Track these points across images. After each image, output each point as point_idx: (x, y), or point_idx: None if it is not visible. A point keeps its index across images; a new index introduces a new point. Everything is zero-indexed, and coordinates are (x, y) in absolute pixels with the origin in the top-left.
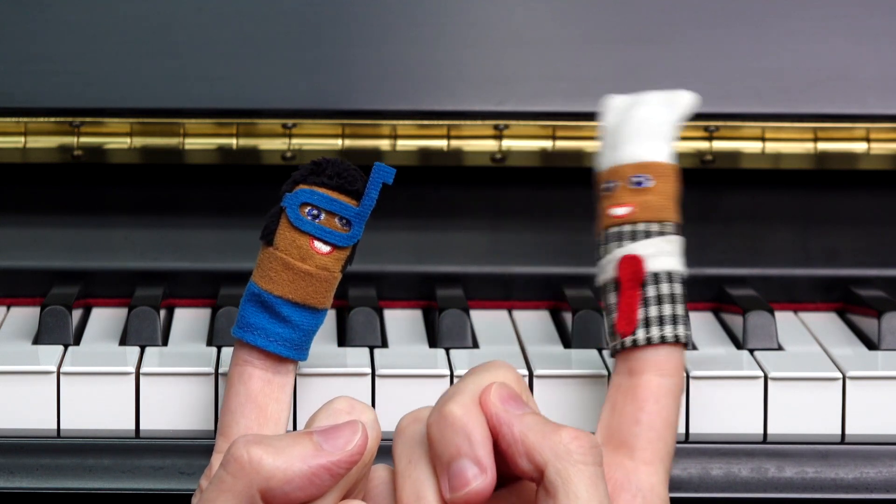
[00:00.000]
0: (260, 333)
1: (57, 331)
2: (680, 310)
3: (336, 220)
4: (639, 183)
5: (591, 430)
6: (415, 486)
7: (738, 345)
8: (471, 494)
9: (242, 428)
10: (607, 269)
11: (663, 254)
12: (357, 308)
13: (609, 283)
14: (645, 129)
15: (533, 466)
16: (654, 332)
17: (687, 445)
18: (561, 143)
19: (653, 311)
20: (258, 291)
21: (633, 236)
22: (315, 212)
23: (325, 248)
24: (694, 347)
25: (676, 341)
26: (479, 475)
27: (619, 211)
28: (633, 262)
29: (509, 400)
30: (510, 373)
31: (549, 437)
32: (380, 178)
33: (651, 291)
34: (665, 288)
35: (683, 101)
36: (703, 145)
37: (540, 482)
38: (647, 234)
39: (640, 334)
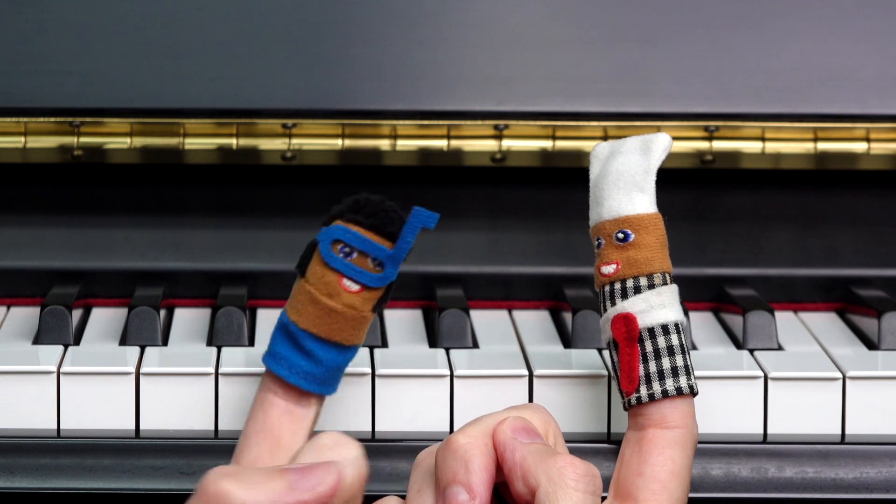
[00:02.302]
0: (283, 364)
1: (57, 331)
2: (679, 360)
3: (369, 260)
4: (622, 239)
5: (590, 431)
6: None
7: (738, 345)
8: None
9: (254, 455)
10: (606, 328)
11: (655, 307)
12: None
13: (610, 343)
14: (622, 182)
15: (527, 489)
16: (656, 387)
17: None
18: (561, 143)
19: (652, 367)
20: (286, 322)
21: (624, 294)
22: (347, 249)
23: (355, 287)
24: (694, 347)
25: (679, 393)
26: (468, 501)
27: (607, 269)
28: (625, 321)
29: (521, 431)
30: (538, 413)
31: (545, 461)
32: (418, 222)
33: (648, 347)
34: (662, 341)
35: (659, 144)
36: (703, 145)
37: None
38: (637, 290)
39: (643, 391)
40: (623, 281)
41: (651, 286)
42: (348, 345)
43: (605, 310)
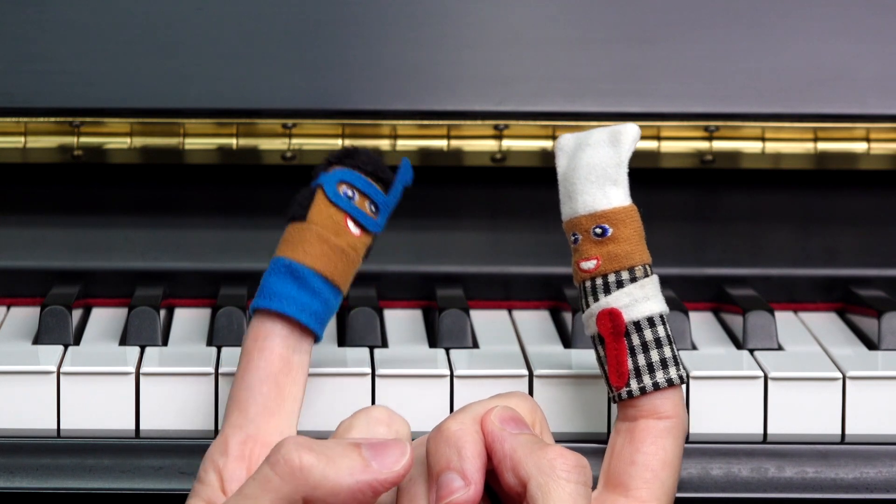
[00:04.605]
0: (289, 302)
1: (57, 331)
2: (668, 352)
3: (367, 203)
4: (600, 234)
5: (590, 431)
6: (410, 501)
7: (738, 345)
8: None
9: (260, 405)
10: (590, 324)
11: (639, 301)
12: (357, 308)
13: (595, 338)
14: (594, 176)
15: (517, 481)
16: (647, 380)
17: (687, 445)
18: None
19: (641, 360)
20: (289, 262)
21: (607, 289)
22: (350, 192)
23: (356, 230)
24: (694, 347)
25: (669, 384)
26: (463, 487)
27: (588, 265)
28: (611, 316)
29: (509, 421)
30: (524, 402)
31: (535, 453)
32: (405, 174)
33: (636, 340)
34: (648, 334)
35: (628, 135)
36: (703, 145)
37: (524, 497)
38: (620, 284)
39: (634, 385)
40: (605, 276)
41: (633, 279)
42: (342, 289)
43: (588, 305)
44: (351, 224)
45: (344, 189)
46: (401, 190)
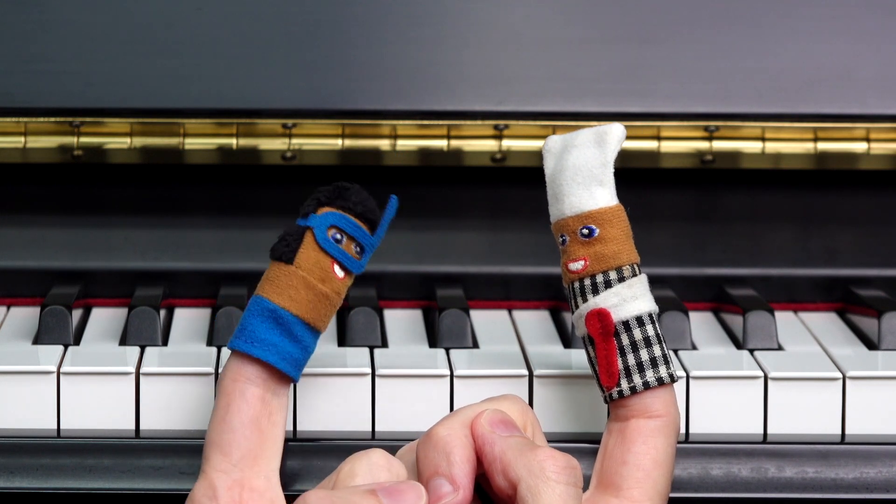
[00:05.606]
0: (272, 350)
1: (57, 331)
2: (657, 351)
3: (353, 246)
4: (587, 234)
5: (591, 430)
6: None
7: (738, 345)
8: None
9: (245, 449)
10: (580, 325)
11: (627, 300)
12: (357, 308)
13: (585, 339)
14: (580, 177)
15: (508, 483)
16: (637, 379)
17: (687, 445)
18: None
19: (631, 360)
20: (274, 308)
21: (595, 289)
22: (339, 236)
23: (341, 273)
24: (694, 347)
25: (660, 383)
26: (451, 492)
27: (576, 266)
28: (599, 317)
29: (499, 423)
30: (515, 404)
31: (525, 455)
32: (392, 211)
33: (625, 340)
34: (637, 333)
35: (613, 135)
36: (703, 145)
37: (514, 499)
38: (608, 284)
39: (624, 385)
40: (592, 276)
41: (621, 279)
42: (322, 331)
43: (577, 306)
44: (337, 268)
45: (333, 233)
46: (386, 229)
